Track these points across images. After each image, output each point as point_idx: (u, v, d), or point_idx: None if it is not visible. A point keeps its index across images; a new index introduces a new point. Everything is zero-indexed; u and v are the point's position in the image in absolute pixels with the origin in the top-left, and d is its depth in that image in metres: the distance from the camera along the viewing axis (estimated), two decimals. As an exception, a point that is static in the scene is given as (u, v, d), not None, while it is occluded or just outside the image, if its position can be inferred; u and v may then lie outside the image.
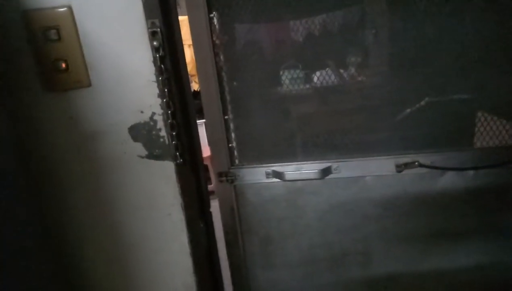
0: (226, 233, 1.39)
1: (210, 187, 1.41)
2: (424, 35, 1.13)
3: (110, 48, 0.94)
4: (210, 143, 1.30)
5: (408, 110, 1.24)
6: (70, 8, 0.91)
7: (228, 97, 1.26)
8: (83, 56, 0.93)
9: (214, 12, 1.13)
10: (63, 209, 1.04)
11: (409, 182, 1.27)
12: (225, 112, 1.26)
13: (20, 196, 0.90)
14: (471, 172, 1.23)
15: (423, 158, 1.23)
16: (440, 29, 1.12)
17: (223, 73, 1.22)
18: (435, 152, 1.23)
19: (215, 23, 1.14)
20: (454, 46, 1.13)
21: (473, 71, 1.16)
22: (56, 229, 1.04)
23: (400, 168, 1.25)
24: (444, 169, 1.23)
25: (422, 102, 1.22)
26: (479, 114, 1.23)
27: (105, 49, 0.94)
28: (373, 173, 1.27)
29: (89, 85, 0.96)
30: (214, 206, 1.31)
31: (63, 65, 0.92)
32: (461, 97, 1.21)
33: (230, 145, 1.32)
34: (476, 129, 1.24)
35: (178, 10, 1.09)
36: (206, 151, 1.25)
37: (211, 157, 1.35)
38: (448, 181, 1.25)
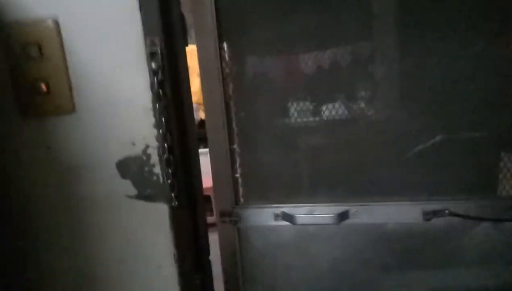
0: (226, 281, 1.26)
1: (211, 219, 1.30)
2: (441, 70, 1.06)
3: (100, 69, 0.81)
4: (213, 178, 1.19)
5: (435, 150, 1.13)
6: (56, 21, 0.78)
7: (235, 130, 1.18)
8: (67, 77, 0.80)
9: (224, 42, 1.10)
10: (34, 254, 0.88)
11: (438, 232, 1.15)
12: (231, 144, 1.17)
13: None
14: (510, 224, 1.10)
15: (454, 205, 1.10)
16: (457, 63, 1.05)
17: (231, 104, 1.16)
18: (468, 199, 1.11)
19: (225, 52, 1.11)
20: (471, 80, 1.06)
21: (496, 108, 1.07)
22: (24, 278, 0.88)
23: (428, 215, 1.13)
24: (479, 219, 1.10)
25: (445, 142, 1.12)
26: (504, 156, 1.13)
27: (94, 70, 0.81)
28: (396, 220, 1.15)
29: (73, 111, 0.82)
30: (214, 241, 1.18)
31: (44, 86, 0.79)
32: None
33: (235, 181, 1.20)
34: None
35: (188, 39, 1.06)
36: (208, 181, 1.14)
37: (214, 194, 1.23)
38: (483, 232, 1.13)
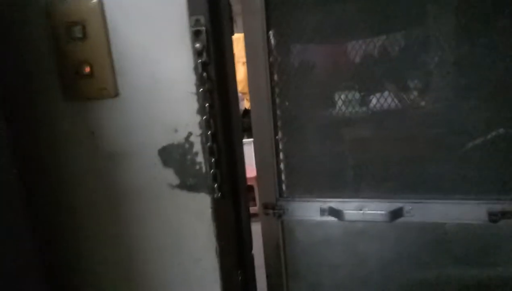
0: (268, 275, 1.22)
1: (253, 210, 1.26)
2: (503, 58, 0.96)
3: (143, 50, 0.77)
4: (257, 168, 1.15)
5: (499, 144, 1.02)
6: (99, 0, 0.75)
7: (280, 120, 1.13)
8: (111, 59, 0.77)
9: (271, 30, 1.07)
10: (74, 239, 0.87)
11: (506, 235, 1.04)
12: (276, 135, 1.12)
13: (22, 220, 0.74)
14: None
15: None
16: None
17: (276, 93, 1.11)
18: None
19: (272, 41, 1.08)
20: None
21: None
22: (63, 262, 0.87)
23: (494, 216, 1.02)
24: (555, 223, 0.98)
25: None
26: None
27: (138, 52, 0.77)
28: (457, 220, 1.06)
29: (116, 95, 0.79)
30: (256, 232, 1.13)
31: (87, 69, 0.77)
32: None
33: (279, 172, 1.15)
34: None
35: (234, 28, 1.05)
36: (252, 171, 1.11)
37: (258, 185, 1.19)
38: (559, 238, 0.99)
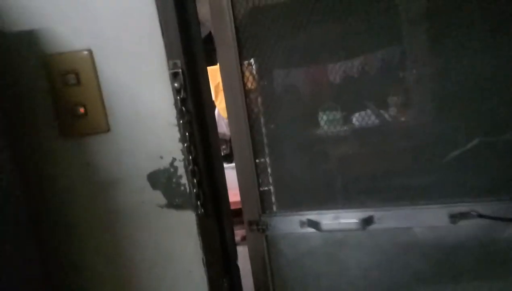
0: (257, 290, 1.25)
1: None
2: (471, 72, 1.02)
3: (130, 91, 0.89)
4: (240, 189, 1.21)
5: (460, 152, 1.10)
6: (90, 51, 0.88)
7: (265, 141, 1.18)
8: (102, 100, 0.89)
9: (252, 57, 1.11)
10: (75, 261, 0.96)
11: (466, 235, 1.10)
12: (256, 157, 1.18)
13: (26, 249, 0.83)
14: (542, 225, 1.03)
15: (482, 207, 1.06)
16: (487, 63, 1.01)
17: (261, 117, 1.16)
18: (497, 200, 1.06)
19: (252, 67, 1.12)
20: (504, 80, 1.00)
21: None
22: (65, 282, 0.96)
23: (454, 218, 1.09)
24: (509, 220, 1.05)
25: (475, 142, 1.08)
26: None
27: (125, 92, 0.89)
28: (422, 224, 1.12)
29: (108, 130, 0.91)
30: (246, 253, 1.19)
31: (82, 110, 0.89)
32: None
33: (261, 191, 1.22)
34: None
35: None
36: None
37: (242, 204, 1.26)
38: (515, 234, 1.05)
